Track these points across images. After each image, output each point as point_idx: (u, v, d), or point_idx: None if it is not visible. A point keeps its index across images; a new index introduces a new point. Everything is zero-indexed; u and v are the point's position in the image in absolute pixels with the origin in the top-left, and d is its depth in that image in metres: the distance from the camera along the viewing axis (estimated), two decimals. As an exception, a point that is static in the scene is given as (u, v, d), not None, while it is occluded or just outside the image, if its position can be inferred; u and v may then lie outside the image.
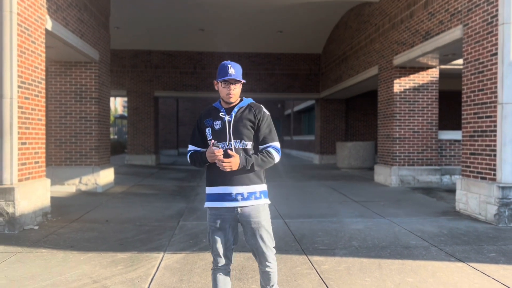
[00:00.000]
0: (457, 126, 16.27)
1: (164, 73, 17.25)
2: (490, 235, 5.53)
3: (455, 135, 10.19)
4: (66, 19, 7.57)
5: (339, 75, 14.66)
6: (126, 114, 37.82)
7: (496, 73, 6.16)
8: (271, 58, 17.49)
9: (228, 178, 2.64)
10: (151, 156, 17.07)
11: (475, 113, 6.73)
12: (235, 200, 2.65)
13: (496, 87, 6.17)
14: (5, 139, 5.63)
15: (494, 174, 6.22)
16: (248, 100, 2.78)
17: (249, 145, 2.68)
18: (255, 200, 2.69)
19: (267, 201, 2.77)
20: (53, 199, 7.69)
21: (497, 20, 6.14)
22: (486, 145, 6.43)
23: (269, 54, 17.52)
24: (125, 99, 44.67)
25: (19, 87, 5.79)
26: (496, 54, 6.16)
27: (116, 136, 36.68)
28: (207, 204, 2.75)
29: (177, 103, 25.70)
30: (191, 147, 2.83)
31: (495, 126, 6.22)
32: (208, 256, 4.54)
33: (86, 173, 9.26)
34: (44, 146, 6.63)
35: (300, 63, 17.64)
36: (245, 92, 17.90)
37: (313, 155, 19.47)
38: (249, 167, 2.61)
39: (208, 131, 2.71)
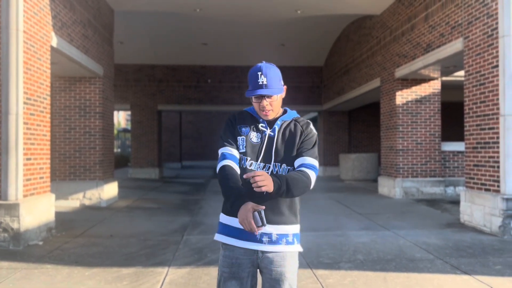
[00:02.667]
0: (459, 137, 16.24)
1: (168, 87, 17.39)
2: (495, 247, 5.50)
3: (458, 146, 10.19)
4: (70, 35, 7.68)
5: (342, 87, 14.74)
6: (129, 127, 38.01)
7: (497, 85, 6.19)
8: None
9: (257, 200, 1.91)
10: (155, 169, 17.12)
11: (477, 125, 6.75)
12: (260, 242, 1.98)
13: (498, 99, 6.19)
14: (10, 155, 5.68)
15: (498, 186, 6.21)
16: (293, 113, 2.16)
17: (289, 171, 2.03)
18: (286, 246, 2.01)
19: (299, 248, 2.08)
20: (57, 214, 7.70)
21: (497, 32, 6.19)
22: (490, 157, 6.43)
23: (271, 67, 17.62)
24: (129, 112, 44.93)
25: (24, 103, 5.86)
26: (497, 66, 6.20)
27: (119, 150, 36.78)
28: (219, 238, 2.06)
29: (180, 116, 25.84)
30: (225, 149, 2.04)
31: (498, 137, 6.23)
32: (213, 271, 4.54)
33: (90, 188, 9.29)
34: (48, 161, 6.68)
35: (302, 76, 17.75)
36: (249, 104, 17.97)
37: (316, 167, 19.42)
38: (284, 187, 1.84)
39: (241, 140, 2.05)
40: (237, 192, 1.89)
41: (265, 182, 1.76)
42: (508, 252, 5.27)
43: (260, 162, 2.02)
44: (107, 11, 10.07)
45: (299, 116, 2.19)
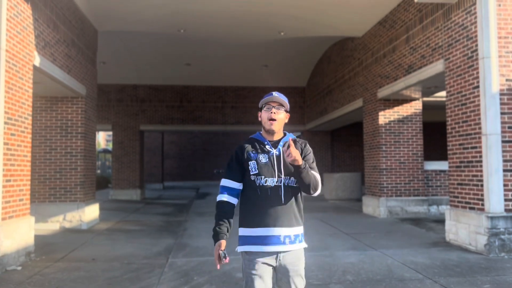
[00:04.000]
0: (441, 156, 16.55)
1: (150, 107, 17.26)
2: (482, 266, 5.53)
3: (440, 165, 10.35)
4: (54, 55, 7.58)
5: (324, 108, 14.90)
6: (109, 148, 37.43)
7: (479, 105, 6.34)
8: (257, 91, 17.71)
9: (274, 217, 2.37)
10: (136, 190, 16.82)
11: (460, 144, 6.87)
12: (283, 243, 2.38)
13: (479, 119, 6.33)
14: (-11, 177, 5.48)
15: (482, 204, 6.29)
16: (291, 135, 2.56)
17: (295, 182, 2.45)
18: (299, 244, 2.45)
19: (305, 244, 2.53)
20: (36, 237, 7.44)
21: (477, 54, 6.37)
22: (473, 175, 6.53)
23: (254, 88, 17.76)
24: (109, 133, 44.33)
25: (5, 123, 5.70)
26: (478, 87, 6.36)
27: (99, 171, 36.13)
28: (244, 248, 2.42)
29: (163, 136, 25.62)
30: (226, 182, 2.48)
31: (480, 156, 6.34)
32: (200, 295, 4.41)
33: (70, 210, 9.04)
34: (28, 183, 6.48)
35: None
36: (232, 124, 18.03)
37: (299, 187, 19.42)
38: (307, 166, 2.35)
39: (253, 164, 2.42)
40: (220, 227, 2.39)
41: (297, 155, 2.25)
42: (495, 271, 5.30)
43: (273, 177, 2.41)
44: (91, 31, 10.01)
45: (295, 137, 2.60)
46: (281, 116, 2.47)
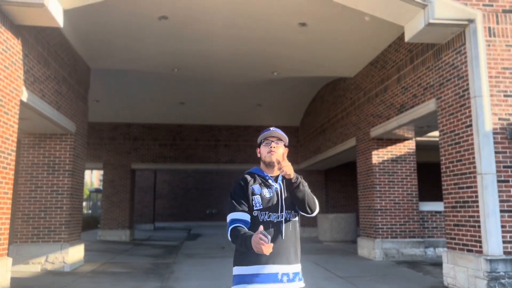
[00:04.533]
0: (435, 198, 16.35)
1: (143, 145, 17.11)
2: (483, 313, 5.23)
3: (436, 206, 10.14)
4: (43, 91, 7.49)
5: (318, 147, 14.82)
6: (102, 187, 36.94)
7: (472, 144, 6.25)
8: (251, 130, 17.68)
9: (272, 254, 2.22)
10: (125, 231, 16.35)
11: (455, 184, 6.72)
12: (281, 281, 2.29)
13: (474, 158, 6.22)
14: (-35, 215, 5.22)
15: (481, 246, 6.06)
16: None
17: (296, 216, 2.48)
18: (298, 282, 2.38)
19: (303, 284, 2.46)
20: (14, 279, 7.07)
21: (468, 93, 6.35)
22: (470, 216, 6.33)
23: (248, 127, 17.74)
24: (102, 172, 43.97)
25: (-14, 159, 5.51)
26: (471, 125, 6.29)
27: (90, 211, 35.47)
28: (237, 271, 2.35)
29: (155, 175, 25.32)
30: (236, 215, 2.34)
31: (476, 196, 6.18)
32: None
33: (53, 251, 8.65)
34: (8, 221, 6.20)
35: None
36: (224, 163, 17.87)
37: (293, 228, 19.02)
38: (300, 180, 2.31)
39: (257, 199, 2.37)
40: (244, 239, 2.19)
41: (289, 168, 2.22)
42: (497, 318, 5.00)
43: (276, 212, 2.37)
44: (84, 68, 10.02)
45: None
46: (280, 151, 2.45)
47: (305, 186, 2.36)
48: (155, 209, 25.42)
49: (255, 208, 2.35)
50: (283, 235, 2.35)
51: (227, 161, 17.34)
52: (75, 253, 9.12)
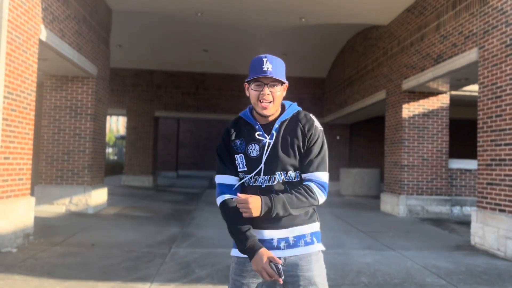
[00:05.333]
0: (463, 157, 15.83)
1: (166, 93, 16.95)
2: (513, 274, 5.00)
3: (467, 164, 9.72)
4: (63, 30, 7.25)
5: (344, 100, 14.33)
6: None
7: (516, 97, 5.76)
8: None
9: (262, 217, 1.81)
10: (148, 177, 16.58)
11: (492, 140, 6.29)
12: (278, 248, 1.84)
13: (516, 113, 5.75)
14: (-15, 153, 5.19)
15: (515, 207, 5.73)
16: (293, 108, 1.93)
17: (296, 176, 1.87)
18: (306, 247, 1.87)
19: (320, 247, 1.93)
20: (39, 219, 7.21)
21: (516, 42, 5.78)
22: (505, 175, 5.95)
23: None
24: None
25: (5, 97, 5.40)
26: (516, 77, 5.77)
27: (116, 157, 36.23)
28: (234, 253, 1.92)
29: (178, 124, 25.38)
30: (221, 178, 1.90)
31: (515, 154, 5.77)
32: (199, 290, 4.03)
33: (77, 193, 8.78)
34: (30, 162, 6.18)
35: (304, 87, 17.36)
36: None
37: (315, 181, 18.93)
38: (274, 214, 1.76)
39: (240, 159, 1.87)
40: (245, 235, 1.79)
41: (246, 210, 1.73)
42: (528, 280, 4.77)
43: (264, 175, 1.85)
44: (105, 9, 9.68)
45: (299, 109, 1.96)
46: (278, 94, 1.83)
47: (292, 209, 1.79)
48: (178, 158, 25.71)
49: (239, 170, 1.88)
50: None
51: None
52: (98, 196, 9.24)
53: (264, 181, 1.84)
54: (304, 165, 1.85)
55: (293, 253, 1.85)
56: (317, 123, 1.89)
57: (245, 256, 1.82)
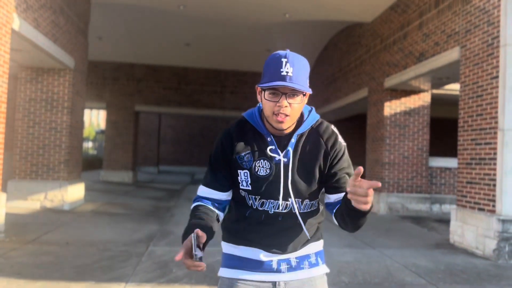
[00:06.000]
0: (444, 155, 16.02)
1: (147, 87, 16.66)
2: (491, 273, 5.02)
3: (447, 162, 9.81)
4: (37, 20, 6.98)
5: (327, 97, 14.32)
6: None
7: (497, 97, 5.78)
8: (259, 77, 17.04)
9: (267, 233, 1.53)
10: (128, 173, 16.30)
11: (472, 139, 6.32)
12: (278, 271, 1.55)
13: (496, 112, 5.78)
14: (-48, 147, 4.95)
15: (494, 206, 5.76)
16: (312, 118, 1.58)
17: (313, 205, 1.58)
18: (310, 270, 1.58)
19: (326, 268, 1.65)
20: (12, 215, 6.96)
21: (498, 41, 5.79)
22: (485, 174, 5.99)
23: (256, 73, 17.14)
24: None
25: (-26, 89, 5.15)
26: (497, 77, 5.79)
27: (95, 152, 35.61)
28: (225, 273, 1.59)
29: (160, 119, 25.04)
30: (207, 192, 1.56)
31: (495, 153, 5.80)
32: (175, 291, 3.91)
33: (52, 188, 8.52)
34: (1, 156, 5.94)
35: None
36: (230, 110, 17.48)
37: (297, 178, 18.94)
38: (369, 210, 1.36)
39: (244, 176, 1.51)
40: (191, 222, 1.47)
41: (364, 199, 1.28)
42: (506, 279, 4.80)
43: (275, 200, 1.51)
44: (83, 0, 9.39)
45: (318, 117, 1.60)
46: (298, 108, 1.46)
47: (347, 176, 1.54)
48: (159, 153, 25.40)
49: (241, 187, 1.53)
50: (284, 224, 1.55)
51: (233, 108, 16.93)
52: (75, 192, 9.00)
53: (273, 206, 1.51)
54: (330, 187, 1.54)
55: (296, 276, 1.56)
56: (340, 138, 1.57)
57: (232, 276, 1.57)
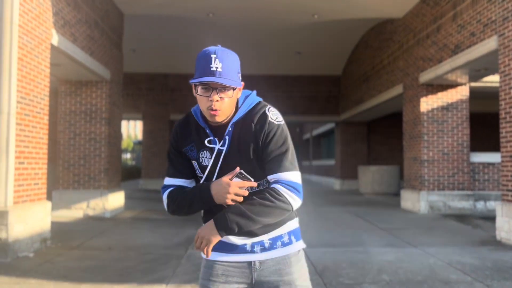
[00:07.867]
0: (487, 150, 15.39)
1: (181, 96, 16.99)
2: (543, 269, 4.77)
3: (490, 157, 9.41)
4: (74, 35, 7.29)
5: (360, 96, 14.10)
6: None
7: (540, 84, 5.52)
8: (289, 80, 17.09)
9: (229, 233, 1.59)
10: (166, 180, 16.60)
11: (516, 131, 6.05)
12: (252, 252, 1.62)
13: (541, 101, 5.51)
14: (0, 158, 5.21)
15: (543, 199, 5.48)
16: (248, 103, 1.62)
17: (261, 185, 1.61)
18: (283, 248, 1.64)
19: (301, 245, 1.69)
20: (57, 224, 7.24)
21: (539, 26, 5.54)
22: (531, 166, 5.71)
23: (287, 76, 17.14)
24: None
25: (18, 102, 5.42)
26: (539, 64, 5.53)
27: (134, 162, 36.58)
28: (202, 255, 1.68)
29: (194, 127, 25.43)
30: (171, 181, 1.65)
31: (541, 144, 5.52)
32: (215, 291, 3.93)
33: (94, 197, 8.81)
34: (45, 166, 6.20)
35: (319, 85, 17.18)
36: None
37: (333, 180, 18.73)
38: (237, 224, 1.47)
39: (195, 165, 1.65)
40: (193, 194, 1.57)
41: (202, 244, 1.51)
42: (560, 275, 4.53)
43: None
44: (116, 14, 9.73)
45: (255, 102, 1.62)
46: (229, 102, 1.52)
47: (258, 217, 1.49)
48: (195, 161, 25.73)
49: (198, 175, 1.65)
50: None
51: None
52: (115, 200, 9.26)
53: None
54: (266, 168, 1.55)
55: (270, 256, 1.62)
56: (272, 117, 1.57)
57: (213, 259, 1.64)
